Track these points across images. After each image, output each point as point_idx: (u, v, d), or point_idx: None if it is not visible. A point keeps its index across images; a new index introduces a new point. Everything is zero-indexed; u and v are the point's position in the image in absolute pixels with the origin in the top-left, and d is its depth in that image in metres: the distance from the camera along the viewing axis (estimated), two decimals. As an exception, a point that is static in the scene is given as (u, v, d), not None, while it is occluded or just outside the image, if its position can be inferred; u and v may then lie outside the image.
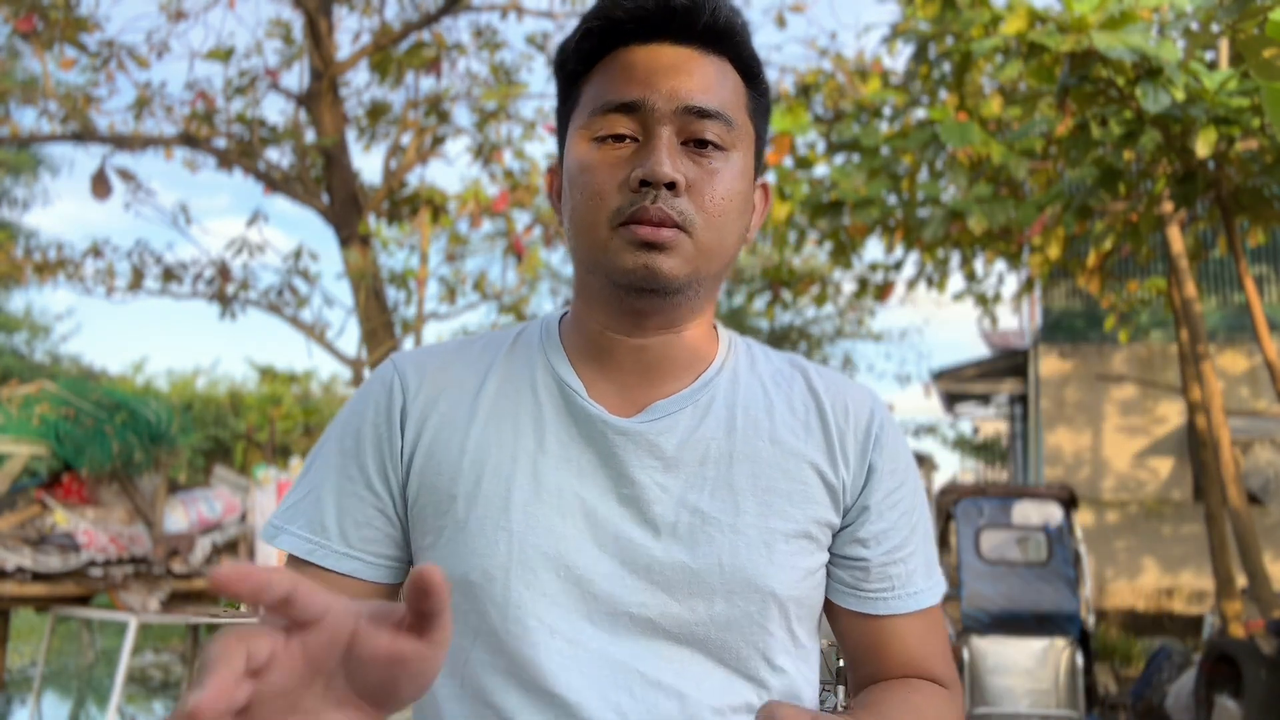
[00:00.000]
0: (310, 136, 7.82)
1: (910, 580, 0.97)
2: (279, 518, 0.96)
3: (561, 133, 0.98)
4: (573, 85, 0.95)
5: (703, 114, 0.89)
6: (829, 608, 0.99)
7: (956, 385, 13.11)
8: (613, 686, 0.87)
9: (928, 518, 1.01)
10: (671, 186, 0.87)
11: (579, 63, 0.94)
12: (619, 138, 0.89)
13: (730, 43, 0.92)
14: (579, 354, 0.96)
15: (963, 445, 20.41)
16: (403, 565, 0.96)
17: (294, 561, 0.94)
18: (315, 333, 7.88)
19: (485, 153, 8.49)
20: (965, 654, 5.37)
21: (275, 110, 54.28)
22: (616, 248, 0.88)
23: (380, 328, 7.63)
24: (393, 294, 8.05)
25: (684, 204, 0.88)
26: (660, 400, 0.94)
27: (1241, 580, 6.37)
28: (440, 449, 0.93)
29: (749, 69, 0.94)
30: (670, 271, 0.88)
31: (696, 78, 0.89)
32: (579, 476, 0.91)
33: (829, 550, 0.96)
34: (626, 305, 0.92)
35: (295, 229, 29.23)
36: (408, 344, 8.27)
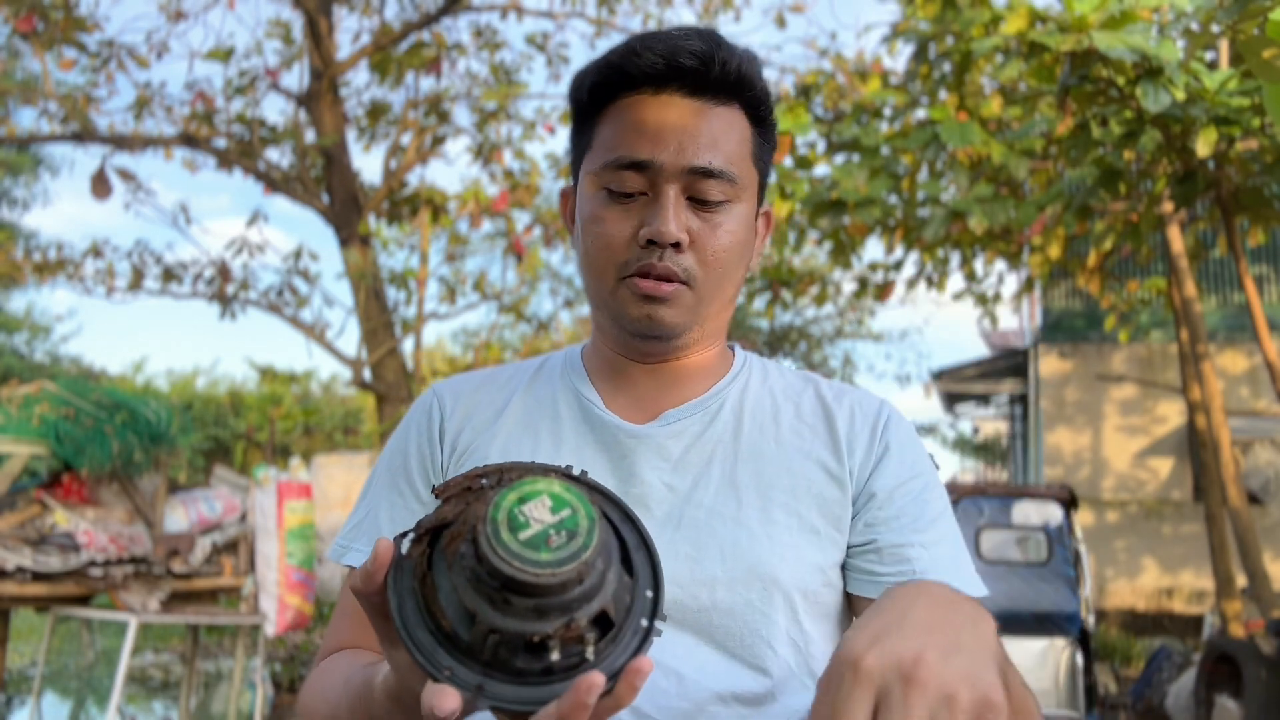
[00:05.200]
0: (310, 136, 7.81)
1: (933, 567, 0.95)
2: (344, 538, 1.04)
3: (576, 161, 1.03)
4: (586, 121, 1.00)
5: (707, 174, 0.94)
6: (856, 608, 0.98)
7: (956, 385, 13.11)
8: None
9: (953, 519, 1.01)
10: (676, 245, 0.93)
11: (592, 104, 0.99)
12: (628, 194, 0.95)
13: (740, 93, 0.96)
14: (598, 374, 1.04)
15: (963, 445, 20.41)
16: None
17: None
18: (315, 333, 7.88)
19: (485, 153, 8.49)
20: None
21: (275, 110, 54.33)
22: (623, 298, 0.96)
23: (380, 328, 7.62)
24: (393, 294, 8.04)
25: (687, 260, 0.94)
26: (672, 409, 1.00)
27: (1241, 580, 6.37)
28: (469, 459, 1.00)
29: (758, 113, 0.99)
30: (671, 321, 0.96)
31: (704, 135, 0.94)
32: None
33: (847, 546, 0.97)
34: (633, 345, 1.01)
35: (295, 229, 29.27)
36: (408, 344, 8.28)
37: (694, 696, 0.89)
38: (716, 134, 0.95)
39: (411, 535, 0.66)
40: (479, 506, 0.63)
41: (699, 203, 0.95)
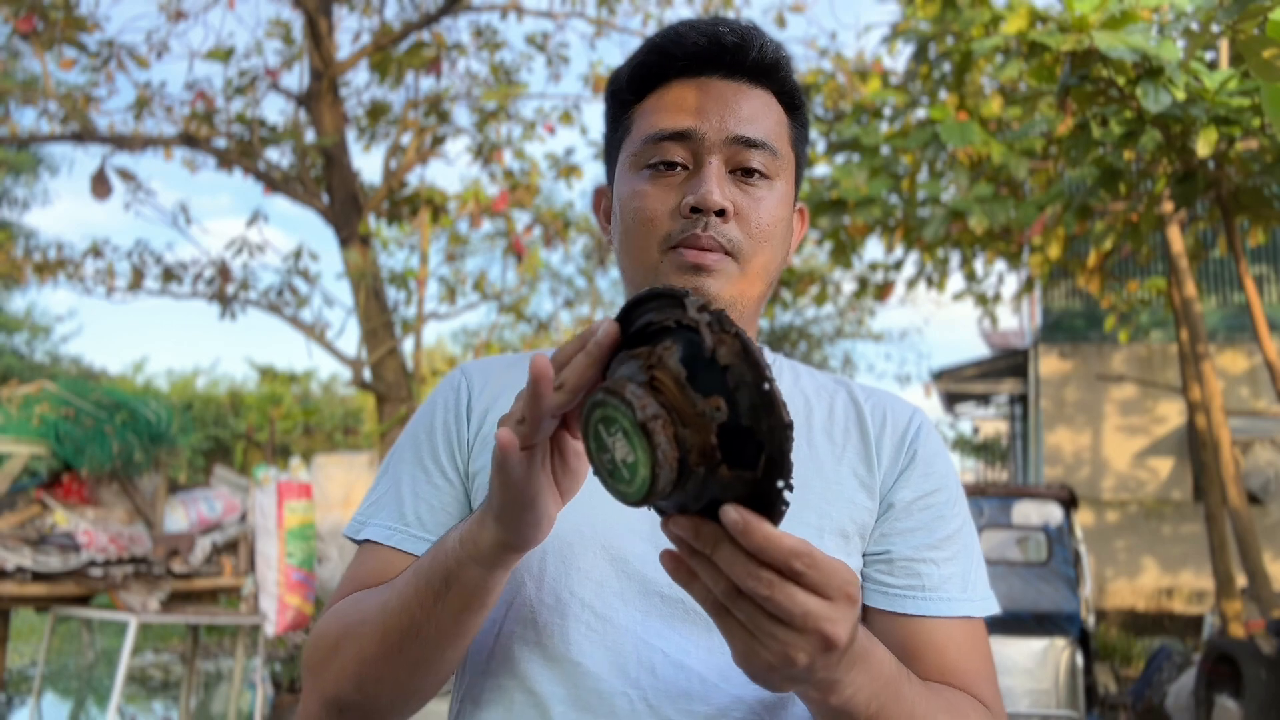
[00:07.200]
0: (310, 136, 7.81)
1: (943, 585, 0.95)
2: (363, 513, 1.01)
3: (611, 157, 1.03)
4: (624, 112, 1.01)
5: (750, 144, 0.95)
6: (865, 617, 0.97)
7: (956, 385, 13.11)
8: (635, 663, 0.89)
9: (974, 536, 1.00)
10: (721, 213, 0.93)
11: (631, 91, 1.00)
12: (671, 165, 0.95)
13: (775, 77, 0.99)
14: None
15: (963, 445, 20.42)
16: None
17: (372, 547, 0.98)
18: (315, 333, 7.88)
19: (485, 153, 8.49)
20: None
21: (275, 110, 54.37)
22: (666, 270, 0.94)
23: (380, 328, 7.62)
24: (393, 294, 8.04)
25: (732, 230, 0.94)
26: None
27: (1241, 580, 6.37)
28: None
29: (791, 101, 1.01)
30: (716, 293, 0.94)
31: (745, 109, 0.96)
32: None
33: (863, 554, 0.97)
34: None
35: (295, 229, 29.30)
36: (408, 344, 8.27)
37: (715, 700, 0.89)
38: (757, 110, 0.97)
39: (697, 306, 0.63)
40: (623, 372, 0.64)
41: (742, 174, 0.95)
